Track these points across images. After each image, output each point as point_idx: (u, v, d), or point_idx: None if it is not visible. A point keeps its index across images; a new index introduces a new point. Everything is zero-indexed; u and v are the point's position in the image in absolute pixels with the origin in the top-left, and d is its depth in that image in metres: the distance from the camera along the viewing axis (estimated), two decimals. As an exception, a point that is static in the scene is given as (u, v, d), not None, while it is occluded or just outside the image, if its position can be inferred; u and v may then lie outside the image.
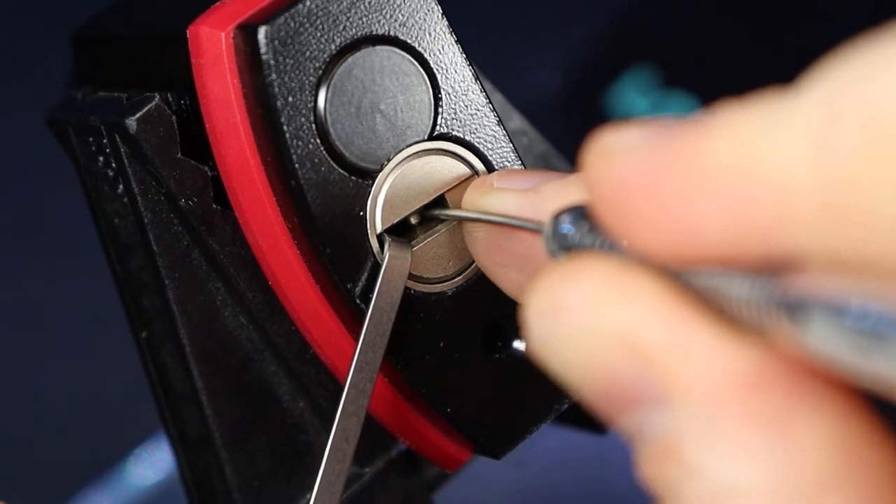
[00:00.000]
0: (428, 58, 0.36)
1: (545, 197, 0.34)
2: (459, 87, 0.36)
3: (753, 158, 0.23)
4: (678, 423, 0.24)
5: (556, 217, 0.28)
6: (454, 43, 0.36)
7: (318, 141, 0.35)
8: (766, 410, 0.23)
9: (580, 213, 0.28)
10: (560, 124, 0.97)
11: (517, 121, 0.44)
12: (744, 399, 0.24)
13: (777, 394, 0.24)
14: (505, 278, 0.35)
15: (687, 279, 0.24)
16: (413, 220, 0.37)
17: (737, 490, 0.23)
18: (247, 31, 0.35)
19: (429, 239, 0.36)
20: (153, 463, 0.88)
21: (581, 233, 0.27)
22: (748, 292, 0.23)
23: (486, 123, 0.37)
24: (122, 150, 0.38)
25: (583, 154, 0.26)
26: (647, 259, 0.25)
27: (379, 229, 0.36)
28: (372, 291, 0.35)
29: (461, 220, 0.36)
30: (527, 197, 0.34)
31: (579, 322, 0.25)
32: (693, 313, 0.24)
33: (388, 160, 0.36)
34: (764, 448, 0.23)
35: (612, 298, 0.25)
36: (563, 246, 0.28)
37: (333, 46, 0.35)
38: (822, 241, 0.22)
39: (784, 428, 0.23)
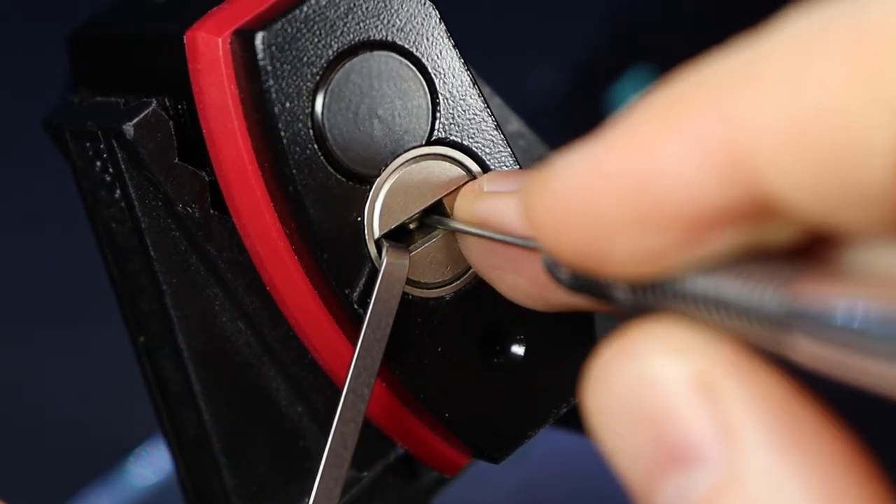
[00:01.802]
0: (426, 63, 0.36)
1: None
2: (457, 91, 0.36)
3: (721, 99, 0.23)
4: (730, 481, 0.24)
5: None
6: (452, 47, 0.36)
7: (316, 146, 0.35)
8: (811, 470, 0.23)
9: None
10: (559, 126, 0.97)
11: (515, 124, 0.44)
12: (797, 457, 0.23)
13: (822, 454, 0.23)
14: (501, 281, 0.35)
15: (690, 294, 0.24)
16: (411, 226, 0.36)
17: None
18: (244, 37, 0.35)
19: (426, 244, 0.36)
20: (153, 463, 0.88)
21: None
22: (756, 303, 0.23)
23: (483, 128, 0.37)
24: (119, 155, 0.38)
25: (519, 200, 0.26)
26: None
27: (377, 235, 0.36)
28: (370, 297, 0.35)
29: (459, 232, 0.36)
30: (517, 198, 0.34)
31: (656, 372, 0.25)
32: (755, 362, 0.24)
33: (386, 165, 0.36)
34: (805, 497, 0.23)
35: (691, 347, 0.24)
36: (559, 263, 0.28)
37: (331, 52, 0.35)
38: (795, 176, 0.22)
39: (831, 490, 0.23)
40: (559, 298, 0.34)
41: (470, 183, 0.36)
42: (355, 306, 0.36)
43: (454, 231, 0.36)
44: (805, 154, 0.22)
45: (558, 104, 0.99)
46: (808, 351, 0.22)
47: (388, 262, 0.35)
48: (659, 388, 0.25)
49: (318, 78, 0.35)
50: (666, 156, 0.23)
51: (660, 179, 0.23)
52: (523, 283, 0.34)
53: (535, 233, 0.26)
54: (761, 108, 0.22)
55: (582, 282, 0.27)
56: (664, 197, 0.23)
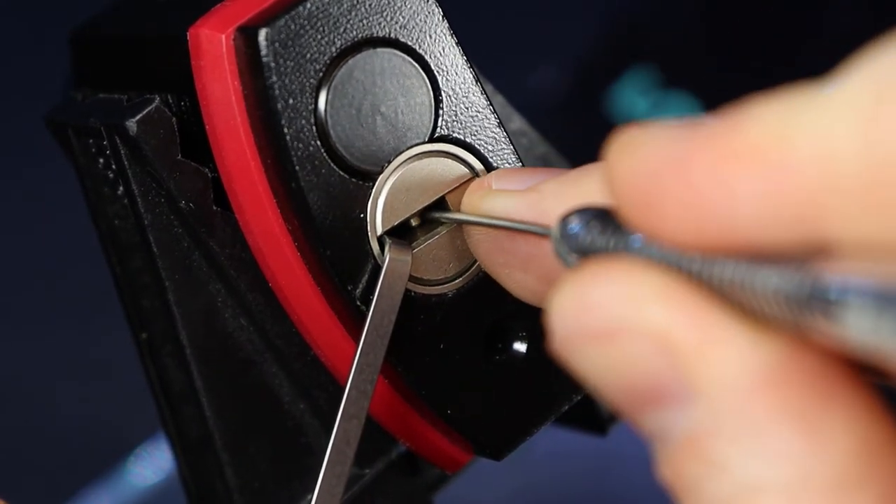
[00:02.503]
0: (429, 60, 0.36)
1: (546, 195, 0.33)
2: (460, 89, 0.36)
3: (794, 138, 0.23)
4: (703, 420, 0.24)
5: (564, 219, 0.28)
6: (455, 45, 0.36)
7: (319, 143, 0.35)
8: (792, 408, 0.23)
9: (589, 214, 0.28)
10: (560, 125, 0.97)
11: (518, 122, 0.44)
12: (771, 396, 0.24)
13: (804, 391, 0.24)
14: (509, 279, 0.35)
15: (711, 273, 0.24)
16: (413, 222, 0.36)
17: (759, 487, 0.23)
18: (247, 34, 0.35)
19: (429, 241, 0.36)
20: (153, 463, 0.88)
21: (592, 234, 0.27)
22: (777, 283, 0.23)
23: (486, 125, 0.37)
24: (122, 151, 0.38)
25: (606, 149, 0.26)
26: (668, 251, 0.25)
27: (379, 231, 0.36)
28: (372, 293, 0.35)
29: (463, 224, 0.36)
30: (527, 197, 0.34)
31: (609, 320, 0.25)
32: (720, 310, 0.24)
33: (389, 162, 0.36)
34: (789, 446, 0.23)
35: (644, 296, 0.25)
36: (572, 248, 0.28)
37: (334, 49, 0.35)
38: (862, 226, 0.22)
39: (810, 426, 0.23)
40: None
41: (478, 180, 0.36)
42: (358, 303, 0.36)
43: (457, 224, 0.36)
44: (873, 203, 0.22)
45: (559, 103, 0.99)
46: (828, 331, 0.22)
47: (390, 258, 0.35)
48: (615, 336, 0.25)
49: (321, 74, 0.35)
50: (738, 191, 0.23)
51: (725, 207, 0.24)
52: (531, 281, 0.34)
53: (612, 192, 0.26)
54: (832, 155, 0.22)
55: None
56: (723, 222, 0.24)
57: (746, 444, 0.23)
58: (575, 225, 0.28)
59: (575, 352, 0.26)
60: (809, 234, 0.23)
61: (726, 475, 0.24)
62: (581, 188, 0.33)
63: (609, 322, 0.25)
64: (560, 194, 0.33)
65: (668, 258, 0.25)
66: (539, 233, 0.32)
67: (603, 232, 0.27)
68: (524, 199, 0.34)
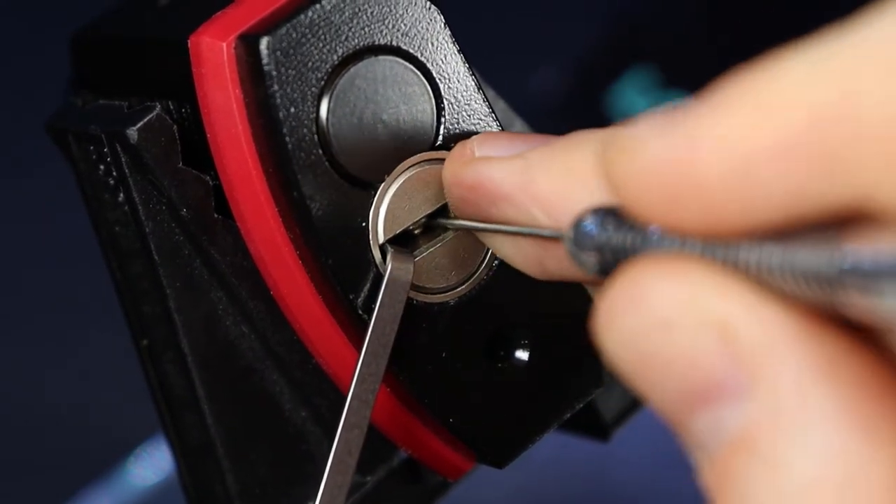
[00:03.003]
0: (430, 67, 0.36)
1: (532, 163, 0.33)
2: (462, 96, 0.36)
3: (815, 85, 0.22)
4: (761, 415, 0.24)
5: (578, 220, 0.28)
6: (456, 52, 0.36)
7: (321, 151, 0.35)
8: (850, 405, 0.23)
9: (602, 213, 0.28)
10: (561, 126, 0.97)
11: (519, 127, 0.44)
12: (830, 392, 0.23)
13: (860, 389, 0.23)
14: (501, 244, 0.35)
15: (737, 258, 0.24)
16: (416, 231, 0.36)
17: (814, 485, 0.23)
18: (248, 42, 0.34)
19: (431, 249, 0.36)
20: (153, 463, 0.88)
21: (607, 231, 0.27)
22: (808, 261, 0.23)
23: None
24: (122, 158, 0.38)
25: (604, 153, 0.26)
26: (689, 241, 0.25)
27: (381, 240, 0.36)
28: (374, 302, 0.35)
29: (466, 230, 0.36)
30: (513, 164, 0.33)
31: (668, 315, 0.25)
32: (775, 302, 0.24)
33: (391, 170, 0.36)
34: (845, 443, 0.23)
35: (703, 289, 0.24)
36: (589, 248, 0.28)
37: (335, 57, 0.35)
38: (891, 179, 0.21)
39: (866, 424, 0.23)
40: (555, 267, 0.34)
41: (459, 145, 0.35)
42: (360, 312, 0.36)
43: (461, 230, 0.36)
44: None
45: (559, 104, 0.99)
46: (862, 305, 0.22)
47: (392, 267, 0.35)
48: (672, 330, 0.24)
49: (322, 83, 0.35)
50: (760, 145, 0.23)
51: (745, 179, 0.23)
52: (525, 246, 0.34)
53: (620, 196, 0.25)
54: (857, 101, 0.22)
55: (608, 267, 0.27)
56: (745, 198, 0.23)
57: (804, 440, 0.23)
58: (589, 224, 0.28)
59: (628, 350, 0.25)
60: (835, 200, 0.22)
61: (781, 473, 0.23)
62: (569, 158, 0.32)
63: (668, 316, 0.25)
64: (547, 163, 0.32)
65: (690, 248, 0.25)
66: (550, 236, 0.32)
67: (618, 228, 0.27)
68: (509, 166, 0.33)
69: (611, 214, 0.27)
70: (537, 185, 0.33)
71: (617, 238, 0.27)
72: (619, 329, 0.25)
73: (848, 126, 0.22)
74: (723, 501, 0.24)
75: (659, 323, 0.25)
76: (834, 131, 0.22)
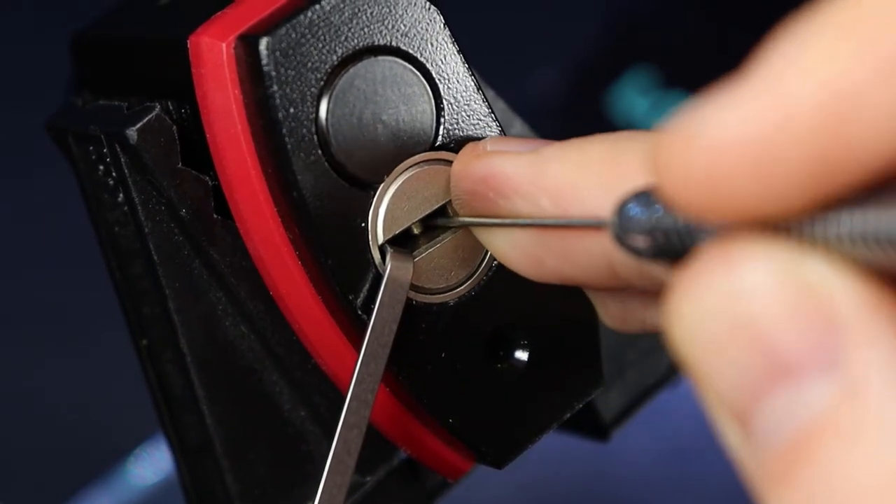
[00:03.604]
0: (430, 68, 0.36)
1: (547, 157, 0.33)
2: (461, 96, 0.36)
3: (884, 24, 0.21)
4: (847, 394, 0.22)
5: (623, 205, 0.28)
6: (456, 53, 0.36)
7: (320, 152, 0.35)
8: None
9: (646, 196, 0.27)
10: (560, 126, 0.97)
11: (519, 127, 0.44)
12: None
13: None
14: (497, 242, 0.34)
15: (820, 232, 0.23)
16: (415, 230, 0.36)
17: None
18: (248, 42, 0.34)
19: (431, 249, 0.36)
20: (153, 463, 0.88)
21: (656, 213, 0.27)
22: (886, 224, 0.22)
23: (488, 132, 0.37)
24: (122, 159, 0.38)
25: (653, 152, 0.24)
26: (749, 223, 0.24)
27: (381, 240, 0.36)
28: (374, 302, 0.35)
29: (468, 227, 0.36)
30: (527, 157, 0.33)
31: (752, 286, 0.23)
32: (861, 274, 0.23)
33: (390, 171, 0.36)
34: None
35: (792, 261, 0.23)
36: (636, 230, 0.27)
37: (335, 57, 0.35)
38: None
39: None
40: (553, 267, 0.33)
41: (471, 144, 0.36)
42: (359, 312, 0.36)
43: (461, 227, 0.36)
44: None
45: (559, 104, 0.99)
46: None
47: (391, 267, 0.35)
48: (760, 298, 0.23)
49: (322, 83, 0.35)
50: (860, 75, 0.21)
51: (856, 107, 0.22)
52: (526, 245, 0.34)
53: (675, 194, 0.24)
54: None
55: (661, 248, 0.27)
56: (860, 131, 0.22)
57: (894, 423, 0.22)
58: (635, 207, 0.27)
59: (706, 329, 0.24)
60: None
61: (871, 448, 0.22)
62: (584, 152, 0.32)
63: (754, 287, 0.23)
64: (562, 157, 0.32)
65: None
66: (590, 224, 0.31)
67: (668, 210, 0.26)
68: (522, 158, 0.33)
69: (655, 196, 0.27)
70: (549, 176, 0.32)
71: (668, 219, 0.26)
72: (697, 307, 0.24)
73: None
74: (791, 493, 0.23)
75: (747, 289, 0.23)
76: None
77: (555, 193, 0.32)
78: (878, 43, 0.22)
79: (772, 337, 0.23)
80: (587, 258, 0.33)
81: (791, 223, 0.23)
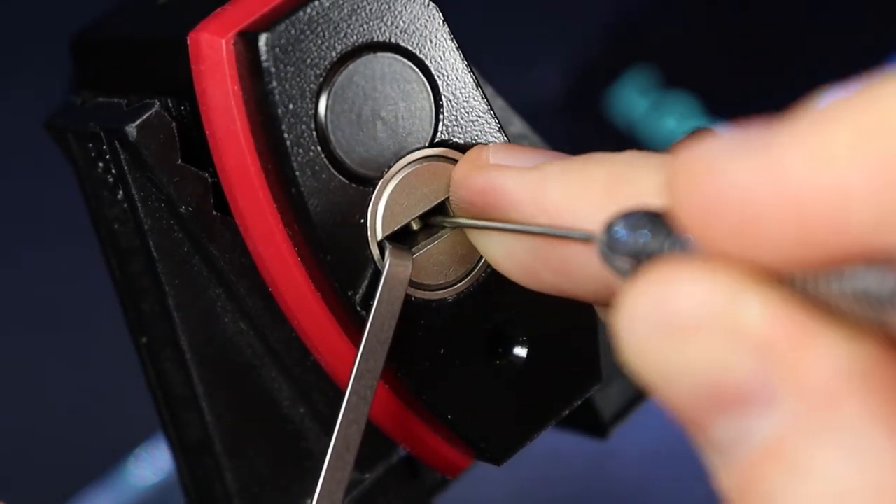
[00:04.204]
0: (429, 64, 0.36)
1: (549, 176, 0.33)
2: (461, 93, 0.36)
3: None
4: (792, 422, 0.23)
5: (611, 223, 0.28)
6: (455, 49, 0.36)
7: (319, 148, 0.35)
8: (883, 410, 0.23)
9: (634, 218, 0.27)
10: (560, 126, 0.97)
11: (518, 125, 0.44)
12: (863, 397, 0.23)
13: (892, 393, 0.23)
14: (494, 249, 0.34)
15: (790, 279, 0.24)
16: (414, 227, 0.36)
17: (845, 491, 0.22)
18: (247, 38, 0.35)
19: (430, 246, 0.36)
20: (153, 463, 0.88)
21: (643, 237, 0.27)
22: (862, 285, 0.23)
23: (487, 130, 0.37)
24: (121, 156, 0.38)
25: (671, 167, 0.24)
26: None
27: (380, 236, 0.36)
28: (373, 299, 0.35)
29: (465, 227, 0.36)
30: (528, 175, 0.33)
31: (696, 315, 0.24)
32: (807, 309, 0.23)
33: (389, 167, 0.36)
34: (878, 449, 0.23)
35: (736, 292, 0.24)
36: (622, 252, 0.27)
37: (334, 53, 0.35)
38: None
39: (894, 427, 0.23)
40: (548, 281, 0.33)
41: (473, 150, 0.36)
42: (358, 308, 0.36)
43: (459, 228, 0.36)
44: None
45: (558, 104, 0.99)
46: None
47: (390, 263, 0.35)
48: (700, 332, 0.24)
49: (321, 80, 0.35)
50: (854, 182, 0.22)
51: (840, 207, 0.22)
52: (518, 252, 0.34)
53: (684, 220, 0.24)
54: None
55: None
56: (841, 225, 0.22)
57: (836, 446, 0.23)
58: (621, 229, 0.27)
59: (650, 350, 0.24)
60: (875, 246, 0.22)
61: (812, 480, 0.23)
62: (587, 174, 0.32)
63: (697, 317, 0.24)
64: (564, 178, 0.32)
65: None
66: (579, 237, 0.32)
67: (655, 235, 0.27)
68: (524, 175, 0.33)
69: (645, 219, 0.27)
70: (548, 197, 0.32)
71: (654, 245, 0.27)
72: (640, 327, 0.24)
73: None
74: None
75: (686, 324, 0.24)
76: None
77: (553, 214, 0.32)
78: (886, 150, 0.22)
79: (714, 370, 0.24)
80: (581, 274, 0.33)
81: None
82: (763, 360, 0.23)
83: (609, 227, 0.28)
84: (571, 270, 0.33)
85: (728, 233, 0.24)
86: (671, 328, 0.24)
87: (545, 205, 0.32)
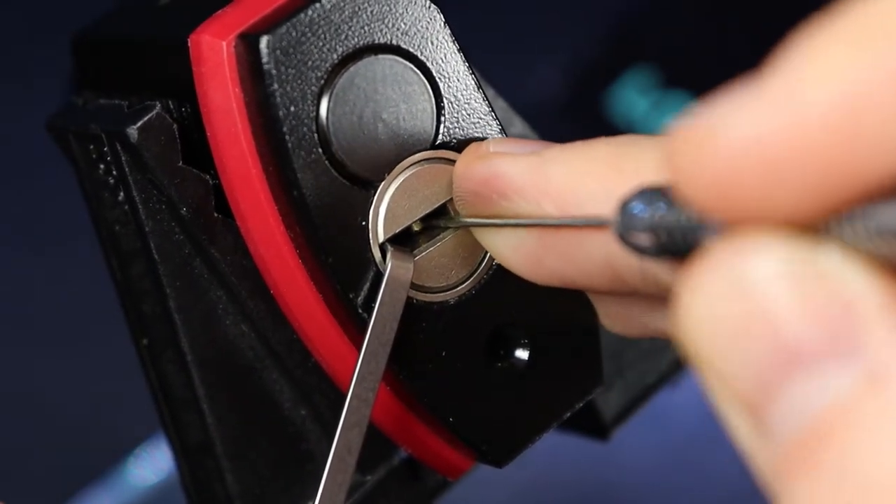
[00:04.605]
0: (430, 66, 0.36)
1: (549, 159, 0.33)
2: (462, 95, 0.36)
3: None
4: (864, 382, 0.22)
5: (625, 203, 0.28)
6: (456, 51, 0.36)
7: (321, 150, 0.35)
8: None
9: (648, 193, 0.27)
10: (560, 126, 0.97)
11: (519, 126, 0.44)
12: None
13: None
14: (497, 243, 0.34)
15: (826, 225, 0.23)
16: (416, 228, 0.36)
17: None
18: (248, 41, 0.34)
19: (431, 248, 0.36)
20: (153, 463, 0.88)
21: (659, 211, 0.27)
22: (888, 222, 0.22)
23: (488, 131, 0.37)
24: (123, 158, 0.38)
25: (669, 144, 0.23)
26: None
27: (381, 239, 0.36)
28: (374, 301, 0.35)
29: (467, 227, 0.36)
30: (528, 160, 0.33)
31: (764, 275, 0.23)
32: (871, 264, 0.23)
33: (391, 169, 0.36)
34: None
35: (805, 252, 0.23)
36: (639, 228, 0.27)
37: (335, 55, 0.35)
38: None
39: None
40: (553, 269, 0.33)
41: (473, 145, 0.36)
42: (360, 311, 0.36)
43: (462, 228, 0.36)
44: None
45: (559, 104, 0.99)
46: None
47: (392, 266, 0.35)
48: (771, 287, 0.23)
49: (322, 82, 0.35)
50: (876, 83, 0.21)
51: (872, 114, 0.21)
52: (526, 244, 0.33)
53: (689, 191, 0.23)
54: None
55: (664, 246, 0.27)
56: (874, 140, 0.21)
57: None
58: (637, 205, 0.27)
59: (718, 322, 0.23)
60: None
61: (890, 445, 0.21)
62: (588, 154, 0.32)
63: (766, 276, 0.23)
64: (565, 160, 0.32)
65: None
66: (592, 224, 0.31)
67: (671, 207, 0.26)
68: (525, 160, 0.33)
69: (657, 194, 0.27)
70: (551, 179, 0.32)
71: (671, 216, 0.26)
72: (707, 299, 0.23)
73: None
74: (810, 484, 0.22)
75: (754, 285, 0.23)
76: None
77: (557, 197, 0.32)
78: (889, 53, 0.21)
79: (785, 326, 0.23)
80: (588, 261, 0.33)
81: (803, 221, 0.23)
82: (845, 312, 0.22)
83: (625, 206, 0.28)
84: (577, 257, 0.33)
85: (747, 193, 0.23)
86: (743, 291, 0.23)
87: (548, 188, 0.32)
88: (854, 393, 0.22)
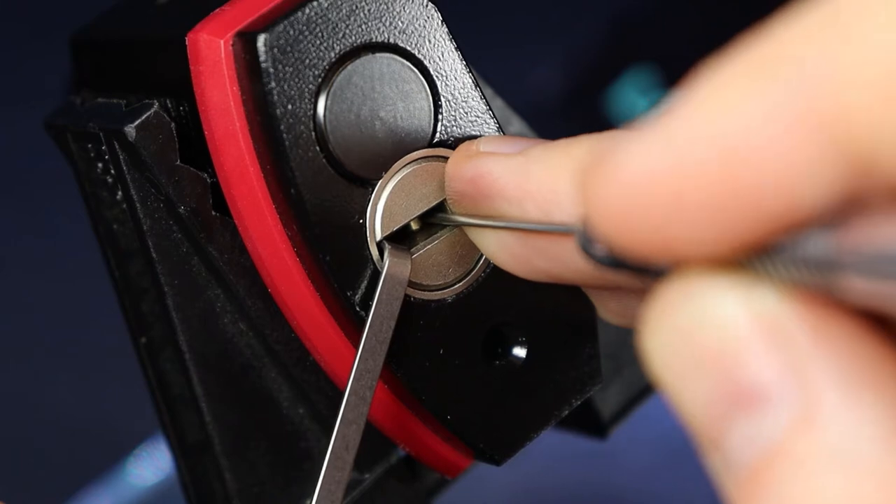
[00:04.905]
0: (428, 65, 0.36)
1: (531, 159, 0.33)
2: (459, 93, 0.36)
3: (806, 50, 0.21)
4: (801, 420, 0.23)
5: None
6: (454, 50, 0.36)
7: (318, 149, 0.35)
8: (887, 410, 0.22)
9: None
10: (560, 125, 0.97)
11: (517, 125, 0.44)
12: (868, 397, 0.22)
13: (891, 390, 0.23)
14: (488, 241, 0.35)
15: (756, 262, 0.23)
16: (413, 226, 0.36)
17: (858, 483, 0.22)
18: (246, 39, 0.35)
19: (429, 246, 0.36)
20: (153, 463, 0.88)
21: None
22: (813, 251, 0.22)
23: (486, 130, 0.37)
24: (120, 156, 0.38)
25: (582, 183, 0.24)
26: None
27: (378, 237, 0.36)
28: (372, 299, 0.35)
29: (463, 226, 0.36)
30: (513, 160, 0.33)
31: (721, 315, 0.23)
32: (809, 302, 0.23)
33: (388, 167, 0.36)
34: (884, 451, 0.22)
35: (756, 293, 0.23)
36: (596, 241, 0.27)
37: (333, 54, 0.35)
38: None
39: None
40: (545, 266, 0.33)
41: (465, 143, 0.36)
42: (357, 309, 0.36)
43: (458, 226, 0.36)
44: None
45: (558, 104, 0.99)
46: (863, 290, 0.22)
47: (389, 264, 0.35)
48: (723, 328, 0.23)
49: (320, 80, 0.35)
50: (755, 129, 0.21)
51: (749, 160, 0.21)
52: (513, 245, 0.34)
53: (597, 223, 0.24)
54: (852, 60, 0.21)
55: (620, 260, 0.27)
56: (755, 183, 0.22)
57: (847, 450, 0.22)
58: None
59: (677, 351, 0.24)
60: (836, 180, 0.21)
61: (826, 481, 0.22)
62: (569, 155, 0.32)
63: (723, 316, 0.23)
64: (546, 159, 0.33)
65: None
66: (560, 231, 0.32)
67: None
68: (509, 161, 0.33)
69: None
70: (532, 180, 0.33)
71: None
72: (668, 326, 0.24)
73: (843, 87, 0.21)
74: None
75: (712, 320, 0.24)
76: (828, 96, 0.21)
77: (538, 197, 0.33)
78: (774, 91, 0.22)
79: (735, 367, 0.23)
80: (574, 260, 0.33)
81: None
82: (782, 357, 0.23)
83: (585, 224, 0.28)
84: (564, 255, 0.33)
85: (650, 228, 0.23)
86: (699, 326, 0.24)
87: (529, 188, 0.33)
88: (788, 432, 0.23)
